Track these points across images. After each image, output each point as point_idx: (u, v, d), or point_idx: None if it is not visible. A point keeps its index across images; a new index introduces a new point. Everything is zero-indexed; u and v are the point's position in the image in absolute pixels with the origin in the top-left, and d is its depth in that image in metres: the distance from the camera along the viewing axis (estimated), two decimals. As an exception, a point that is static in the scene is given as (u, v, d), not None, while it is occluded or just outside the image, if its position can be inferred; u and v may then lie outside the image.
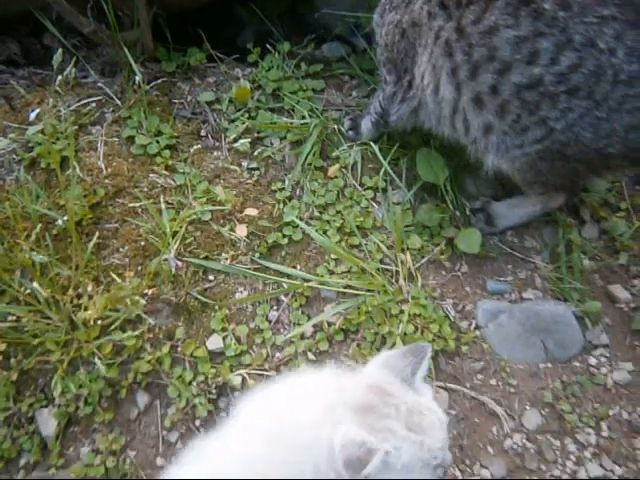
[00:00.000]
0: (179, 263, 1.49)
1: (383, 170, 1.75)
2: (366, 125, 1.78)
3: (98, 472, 1.39)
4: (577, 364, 1.52)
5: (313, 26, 2.20)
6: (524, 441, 1.42)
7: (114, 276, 1.51)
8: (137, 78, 1.77)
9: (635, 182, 1.83)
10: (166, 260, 1.48)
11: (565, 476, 1.37)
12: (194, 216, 1.68)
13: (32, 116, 1.72)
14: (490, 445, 1.42)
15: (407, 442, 0.93)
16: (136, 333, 1.46)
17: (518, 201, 1.64)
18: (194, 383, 1.48)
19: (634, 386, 1.48)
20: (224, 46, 2.11)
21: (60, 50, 1.69)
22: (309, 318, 1.58)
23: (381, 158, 1.76)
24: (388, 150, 1.80)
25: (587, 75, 1.20)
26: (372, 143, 1.80)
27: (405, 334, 1.50)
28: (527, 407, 1.46)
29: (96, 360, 1.41)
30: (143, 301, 1.45)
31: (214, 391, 1.48)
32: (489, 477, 1.36)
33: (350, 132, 1.84)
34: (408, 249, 1.64)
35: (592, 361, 1.52)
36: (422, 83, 1.47)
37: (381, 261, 1.64)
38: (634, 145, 1.29)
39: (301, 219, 1.70)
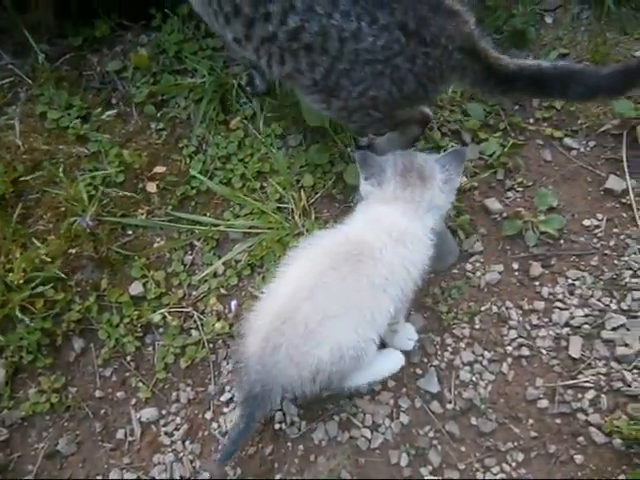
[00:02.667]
0: (90, 222, 1.67)
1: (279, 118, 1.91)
2: (257, 78, 1.93)
3: (44, 407, 1.61)
4: (455, 271, 1.72)
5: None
6: (409, 341, 1.64)
7: (35, 241, 1.69)
8: (40, 58, 1.89)
9: (515, 102, 1.98)
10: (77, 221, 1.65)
11: (443, 365, 1.59)
12: (108, 179, 1.85)
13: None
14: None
15: None
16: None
17: (391, 135, 1.80)
18: (121, 325, 1.69)
19: (503, 284, 1.69)
20: (135, 12, 2.21)
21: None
22: (219, 258, 1.77)
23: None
24: (284, 99, 1.95)
25: (314, 34, 1.34)
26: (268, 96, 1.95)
27: (299, 261, 1.69)
28: (412, 313, 1.66)
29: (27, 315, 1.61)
30: (59, 260, 1.64)
31: (139, 330, 1.69)
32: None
33: (248, 87, 1.98)
34: (302, 187, 1.82)
35: (468, 267, 1.72)
36: None
37: (279, 200, 1.81)
38: (386, 91, 1.44)
39: (206, 172, 1.88)
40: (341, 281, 1.31)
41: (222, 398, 1.61)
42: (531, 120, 1.93)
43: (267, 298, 1.37)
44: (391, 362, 1.52)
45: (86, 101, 1.99)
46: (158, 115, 1.98)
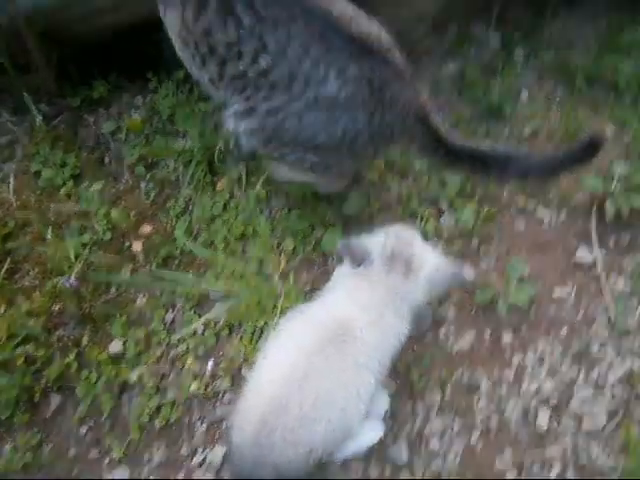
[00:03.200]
0: (73, 283, 1.72)
1: (263, 180, 1.98)
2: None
3: (18, 466, 1.62)
4: (428, 337, 1.77)
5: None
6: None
7: (20, 298, 1.74)
8: (38, 120, 1.99)
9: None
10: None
11: (413, 433, 1.62)
12: (95, 237, 1.91)
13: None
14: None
15: None
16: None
17: None
18: (99, 383, 1.72)
19: (474, 352, 1.73)
20: (132, 74, 2.33)
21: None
22: (199, 318, 1.82)
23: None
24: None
25: (283, 74, 1.43)
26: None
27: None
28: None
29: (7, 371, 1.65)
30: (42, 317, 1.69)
31: (116, 388, 1.73)
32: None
33: (235, 149, 2.07)
34: (283, 250, 1.88)
35: (441, 333, 1.77)
36: None
37: (260, 263, 1.87)
38: (334, 137, 1.52)
39: (191, 232, 1.94)
40: (329, 362, 1.33)
41: (195, 460, 1.63)
42: (505, 190, 2.01)
43: (257, 383, 1.37)
44: (373, 431, 1.54)
45: (80, 159, 2.07)
46: (148, 176, 2.06)
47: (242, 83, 1.51)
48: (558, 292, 1.81)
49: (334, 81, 1.43)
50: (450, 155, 1.57)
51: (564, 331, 1.74)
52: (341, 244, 1.43)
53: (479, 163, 1.57)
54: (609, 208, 1.87)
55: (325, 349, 1.33)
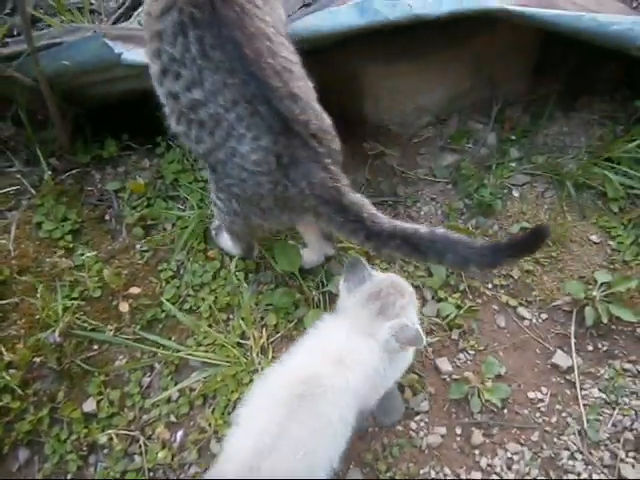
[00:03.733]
0: (57, 339, 1.76)
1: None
2: None
3: (-23, 520, 1.62)
4: (400, 428, 1.77)
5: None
6: (345, 497, 1.66)
7: (3, 348, 1.78)
8: (46, 175, 2.08)
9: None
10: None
11: (373, 527, 1.60)
12: (86, 292, 1.96)
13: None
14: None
15: None
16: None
17: None
18: (68, 441, 1.73)
19: (444, 449, 1.73)
20: (142, 137, 2.44)
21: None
22: (176, 384, 1.84)
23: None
24: (261, 239, 2.10)
25: (211, 116, 1.52)
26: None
27: (252, 400, 1.75)
28: (351, 466, 1.70)
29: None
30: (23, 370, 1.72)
31: (85, 448, 1.73)
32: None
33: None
34: (265, 325, 1.92)
35: (412, 425, 1.77)
36: None
37: (241, 335, 1.91)
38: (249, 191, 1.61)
39: (179, 296, 1.99)
40: (302, 426, 1.33)
41: (152, 532, 1.62)
42: (489, 285, 2.05)
43: (230, 450, 1.37)
44: None
45: (81, 215, 2.14)
46: (145, 237, 2.12)
47: (178, 108, 1.60)
48: (532, 394, 1.82)
49: (249, 143, 1.52)
50: (379, 239, 1.55)
51: (535, 436, 1.74)
52: (350, 260, 1.56)
53: (413, 247, 1.53)
54: (589, 314, 1.90)
55: (297, 413, 1.33)
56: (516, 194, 2.27)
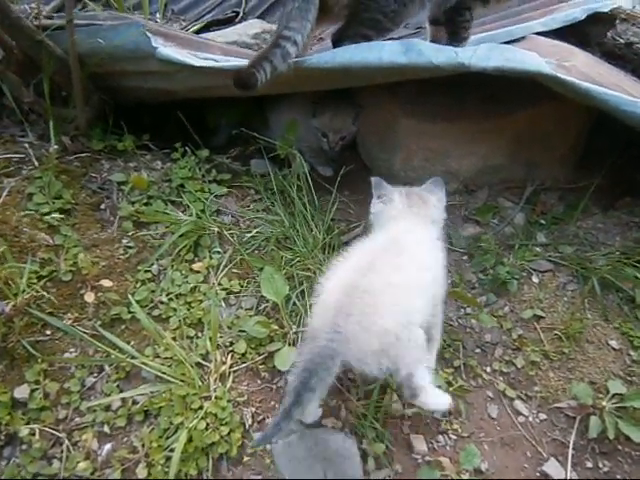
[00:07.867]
0: (5, 309, 1.60)
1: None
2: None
3: None
4: (353, 503, 1.53)
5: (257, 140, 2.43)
6: None
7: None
8: (52, 148, 1.99)
9: (477, 346, 1.91)
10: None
11: None
12: (55, 274, 1.81)
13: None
14: None
15: None
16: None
17: None
18: (-14, 426, 1.53)
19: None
20: (165, 140, 2.37)
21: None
22: (121, 392, 1.64)
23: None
24: (257, 260, 1.95)
25: None
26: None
27: (195, 429, 1.54)
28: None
29: None
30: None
31: (2, 438, 1.53)
32: None
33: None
34: (232, 352, 1.73)
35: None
36: None
37: (204, 356, 1.72)
38: None
39: (151, 301, 1.83)
40: (395, 259, 1.49)
41: None
42: (488, 369, 1.84)
43: (331, 279, 1.48)
44: (442, 398, 1.57)
45: (76, 198, 2.03)
46: (133, 234, 2.00)
47: None
48: (512, 501, 1.56)
49: None
50: None
51: None
52: (374, 179, 1.75)
53: None
54: (594, 425, 1.66)
55: (390, 251, 1.52)
56: (535, 280, 2.08)
